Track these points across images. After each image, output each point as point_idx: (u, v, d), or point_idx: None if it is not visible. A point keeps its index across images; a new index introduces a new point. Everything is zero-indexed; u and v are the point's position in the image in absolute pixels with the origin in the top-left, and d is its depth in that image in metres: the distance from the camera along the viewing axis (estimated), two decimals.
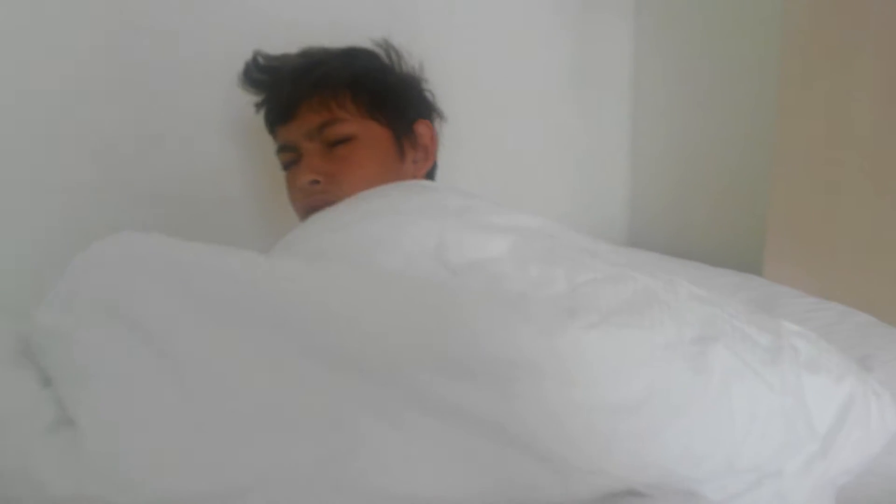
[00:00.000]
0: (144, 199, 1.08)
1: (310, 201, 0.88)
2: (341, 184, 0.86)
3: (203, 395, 0.49)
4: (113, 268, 0.57)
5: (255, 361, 0.51)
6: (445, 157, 1.31)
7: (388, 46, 0.98)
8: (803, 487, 0.56)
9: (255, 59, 0.95)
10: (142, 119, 1.07)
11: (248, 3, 1.11)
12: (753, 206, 1.21)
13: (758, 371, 0.56)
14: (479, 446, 0.49)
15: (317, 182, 0.87)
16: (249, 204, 1.18)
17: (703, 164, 1.37)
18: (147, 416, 0.49)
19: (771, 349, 0.59)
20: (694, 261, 1.24)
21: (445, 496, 0.49)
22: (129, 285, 0.55)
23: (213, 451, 0.47)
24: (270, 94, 0.95)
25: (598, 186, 1.53)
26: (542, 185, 1.47)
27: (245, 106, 1.00)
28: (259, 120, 0.99)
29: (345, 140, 0.89)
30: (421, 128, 0.97)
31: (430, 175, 1.01)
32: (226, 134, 1.13)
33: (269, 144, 0.98)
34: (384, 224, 0.67)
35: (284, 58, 0.94)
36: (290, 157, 0.92)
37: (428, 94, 1.02)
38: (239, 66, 0.96)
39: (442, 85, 1.28)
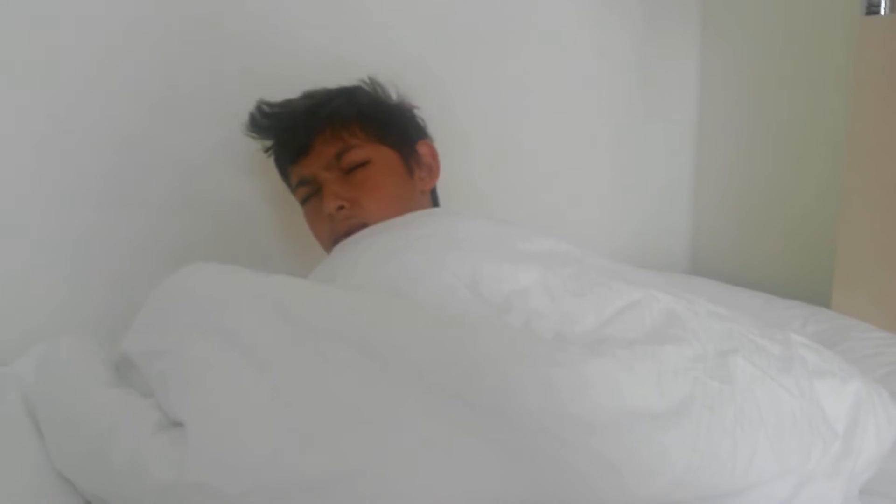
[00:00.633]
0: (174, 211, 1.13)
1: (337, 227, 0.93)
2: (365, 206, 0.92)
3: (296, 397, 0.55)
4: (201, 292, 0.67)
5: (337, 369, 0.57)
6: (508, 186, 1.34)
7: (374, 83, 1.05)
8: (837, 489, 0.60)
9: (259, 108, 1.00)
10: (166, 132, 1.12)
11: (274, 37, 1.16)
12: (821, 239, 1.20)
13: (775, 378, 0.62)
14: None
15: (342, 208, 0.93)
16: (269, 216, 1.22)
17: (768, 194, 1.36)
18: (247, 414, 0.55)
19: (783, 358, 0.65)
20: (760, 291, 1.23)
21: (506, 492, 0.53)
22: (221, 308, 0.63)
23: (309, 444, 0.53)
24: (280, 136, 1.01)
25: (660, 216, 1.54)
26: (604, 215, 1.49)
27: None
28: None
29: (361, 165, 0.95)
30: (423, 148, 1.04)
31: (434, 194, 1.07)
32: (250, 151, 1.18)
33: None
34: (421, 259, 0.72)
35: (287, 103, 1.01)
36: (309, 191, 0.98)
37: (420, 119, 1.09)
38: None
39: (505, 116, 1.33)
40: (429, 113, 1.10)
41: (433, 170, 1.04)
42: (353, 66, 1.06)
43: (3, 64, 1.01)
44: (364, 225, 0.90)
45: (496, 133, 1.33)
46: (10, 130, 1.02)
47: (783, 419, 0.59)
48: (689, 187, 1.54)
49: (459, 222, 0.83)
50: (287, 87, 1.03)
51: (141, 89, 1.08)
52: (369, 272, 0.73)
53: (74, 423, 0.61)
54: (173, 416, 0.57)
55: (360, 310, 0.63)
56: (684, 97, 1.50)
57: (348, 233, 0.89)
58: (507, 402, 0.54)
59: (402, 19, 1.23)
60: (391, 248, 0.76)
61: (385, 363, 0.57)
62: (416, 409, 0.54)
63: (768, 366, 0.63)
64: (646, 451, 0.54)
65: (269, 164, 1.08)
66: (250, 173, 1.17)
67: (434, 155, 1.05)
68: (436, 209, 1.03)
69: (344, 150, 0.95)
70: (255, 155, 1.15)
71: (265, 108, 1.00)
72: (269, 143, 1.03)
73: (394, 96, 1.06)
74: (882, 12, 1.05)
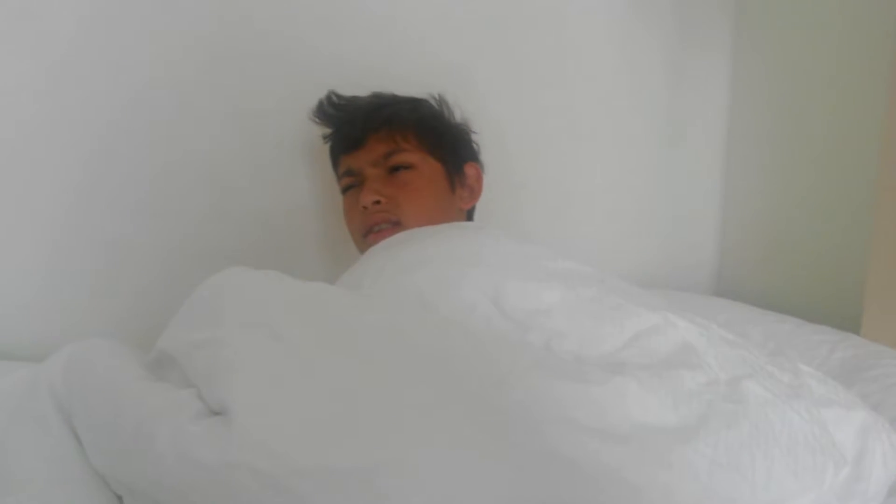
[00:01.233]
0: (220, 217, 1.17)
1: (369, 220, 0.99)
2: (401, 206, 0.98)
3: (333, 389, 0.58)
4: (247, 290, 0.70)
5: (373, 370, 0.60)
6: (536, 206, 1.35)
7: (441, 99, 1.11)
8: None
9: (329, 97, 1.07)
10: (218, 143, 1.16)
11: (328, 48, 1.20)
12: (851, 264, 1.19)
13: (786, 402, 0.63)
14: None
15: (378, 202, 0.97)
16: (314, 219, 1.25)
17: (797, 217, 1.35)
18: (290, 403, 0.57)
19: (792, 386, 0.67)
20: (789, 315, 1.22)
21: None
22: (267, 305, 0.67)
23: (347, 435, 0.54)
24: (341, 126, 1.07)
25: (687, 237, 1.54)
26: (631, 235, 1.49)
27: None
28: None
29: (406, 167, 1.00)
30: (470, 169, 1.09)
31: (470, 213, 1.11)
32: (297, 156, 1.22)
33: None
34: (447, 273, 0.74)
35: (355, 98, 1.07)
36: (352, 181, 1.04)
37: (475, 144, 1.14)
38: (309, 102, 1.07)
39: (535, 137, 1.34)
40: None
41: (475, 191, 1.09)
42: (399, 79, 1.11)
43: (49, 71, 1.05)
44: (396, 222, 0.96)
45: (525, 152, 1.35)
46: (57, 139, 1.07)
47: (796, 440, 0.60)
48: (716, 208, 1.53)
49: (486, 238, 0.86)
50: (321, 95, 1.07)
51: (174, 98, 1.12)
52: (396, 282, 0.75)
53: (115, 413, 0.63)
54: (216, 405, 0.58)
55: (394, 320, 0.65)
56: (713, 118, 1.49)
57: (379, 226, 0.96)
58: (528, 413, 0.55)
59: (442, 38, 1.26)
60: (418, 258, 0.79)
61: (417, 369, 0.59)
62: (444, 415, 0.55)
63: (779, 391, 0.64)
64: (667, 464, 0.54)
65: (297, 174, 1.13)
66: (280, 183, 1.20)
67: (479, 178, 1.10)
68: (465, 223, 1.06)
69: (394, 151, 1.00)
70: (283, 166, 1.19)
71: (334, 98, 1.07)
72: (328, 130, 1.09)
73: (457, 117, 1.11)
74: None
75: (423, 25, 1.24)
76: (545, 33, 1.33)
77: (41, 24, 1.04)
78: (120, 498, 0.63)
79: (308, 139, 1.18)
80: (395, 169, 1.00)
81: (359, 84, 1.08)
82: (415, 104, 1.06)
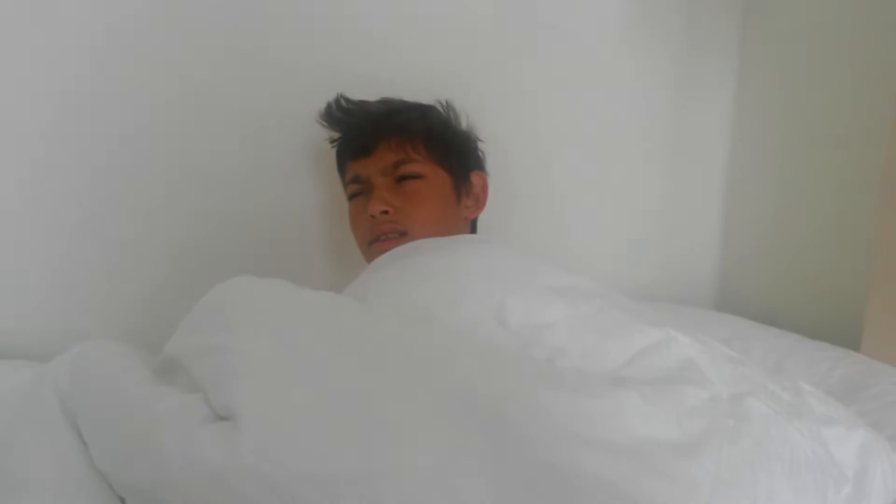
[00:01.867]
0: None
1: (376, 229, 0.98)
2: (408, 216, 0.97)
3: (338, 398, 0.58)
4: (256, 298, 0.71)
5: (379, 379, 0.60)
6: (538, 219, 1.36)
7: (449, 106, 1.10)
8: None
9: (337, 100, 1.06)
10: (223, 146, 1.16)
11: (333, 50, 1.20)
12: (852, 281, 1.19)
13: (787, 419, 0.63)
14: None
15: (386, 212, 0.97)
16: (319, 226, 1.25)
17: (799, 233, 1.35)
18: (297, 409, 0.57)
19: (793, 404, 0.67)
20: (787, 331, 1.22)
21: None
22: (276, 313, 0.68)
23: (348, 442, 0.55)
24: (349, 132, 1.06)
25: (688, 251, 1.54)
26: (632, 248, 1.49)
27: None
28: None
29: (414, 177, 1.00)
30: (476, 178, 1.09)
31: (474, 222, 1.11)
32: (302, 164, 1.22)
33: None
34: (452, 287, 0.76)
35: (364, 103, 1.07)
36: (359, 189, 1.03)
37: (481, 152, 1.14)
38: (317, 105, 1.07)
39: (537, 148, 1.35)
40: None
41: (480, 201, 1.09)
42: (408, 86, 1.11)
43: (58, 77, 1.06)
44: (403, 233, 0.96)
45: (527, 165, 1.35)
46: (65, 141, 1.07)
47: (797, 458, 0.60)
48: (718, 222, 1.54)
49: (491, 252, 0.87)
50: (327, 100, 1.07)
51: (181, 100, 1.13)
52: (402, 295, 0.76)
53: (121, 415, 0.64)
54: (223, 409, 0.59)
55: (400, 332, 0.66)
56: (717, 132, 1.50)
57: (385, 236, 0.96)
58: (527, 424, 0.56)
59: (446, 46, 1.27)
60: (424, 272, 0.80)
61: (421, 380, 0.60)
62: (444, 424, 0.56)
63: (780, 409, 0.65)
64: (670, 478, 0.54)
65: (302, 178, 1.13)
66: (285, 187, 1.21)
67: (484, 188, 1.10)
68: (470, 236, 1.07)
69: (403, 160, 1.00)
70: (289, 169, 1.19)
71: (343, 102, 1.06)
72: (336, 134, 1.08)
73: (464, 124, 1.11)
74: None
75: (427, 34, 1.24)
76: (549, 43, 1.34)
77: (51, 32, 1.04)
78: (123, 500, 0.64)
79: (312, 144, 1.18)
80: (403, 178, 1.00)
81: (363, 90, 1.08)
82: (424, 111, 1.06)
